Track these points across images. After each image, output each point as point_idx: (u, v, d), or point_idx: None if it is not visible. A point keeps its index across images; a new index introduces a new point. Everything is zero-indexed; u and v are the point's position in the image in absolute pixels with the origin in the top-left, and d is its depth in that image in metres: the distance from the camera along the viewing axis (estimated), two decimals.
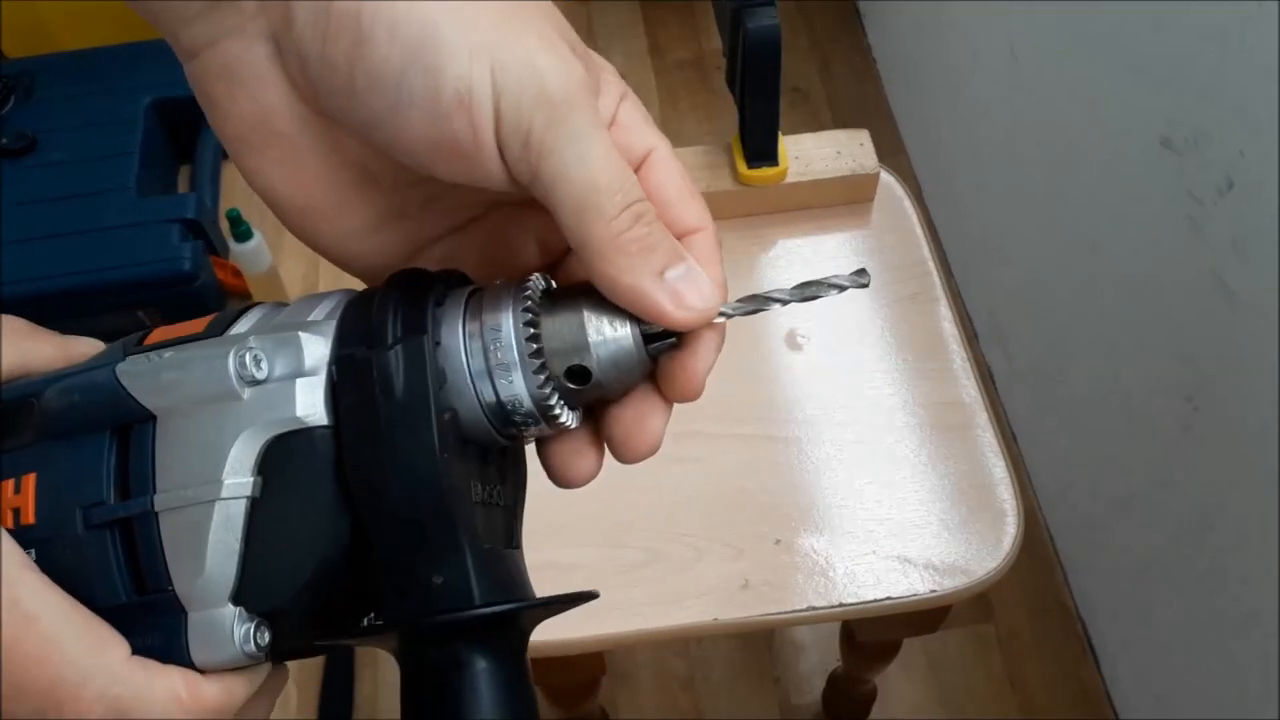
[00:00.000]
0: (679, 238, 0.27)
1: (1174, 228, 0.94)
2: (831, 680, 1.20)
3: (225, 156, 1.70)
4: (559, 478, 0.30)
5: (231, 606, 0.25)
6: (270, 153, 0.27)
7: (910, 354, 0.76)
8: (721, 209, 0.81)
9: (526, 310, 0.26)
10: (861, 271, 0.29)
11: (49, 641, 0.23)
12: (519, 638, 0.28)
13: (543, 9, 0.26)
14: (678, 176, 0.28)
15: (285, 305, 0.28)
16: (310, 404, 0.25)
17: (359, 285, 0.30)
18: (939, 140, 1.59)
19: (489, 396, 0.26)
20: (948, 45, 1.49)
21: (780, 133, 0.78)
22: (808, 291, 0.28)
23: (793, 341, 0.77)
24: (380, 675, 1.29)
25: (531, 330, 0.26)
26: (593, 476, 0.30)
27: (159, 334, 0.27)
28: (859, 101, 1.79)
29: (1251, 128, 0.81)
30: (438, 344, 0.26)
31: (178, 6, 0.26)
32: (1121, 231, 1.05)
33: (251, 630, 0.25)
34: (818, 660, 1.28)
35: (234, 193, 1.67)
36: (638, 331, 0.27)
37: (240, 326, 0.27)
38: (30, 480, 0.25)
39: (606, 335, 0.26)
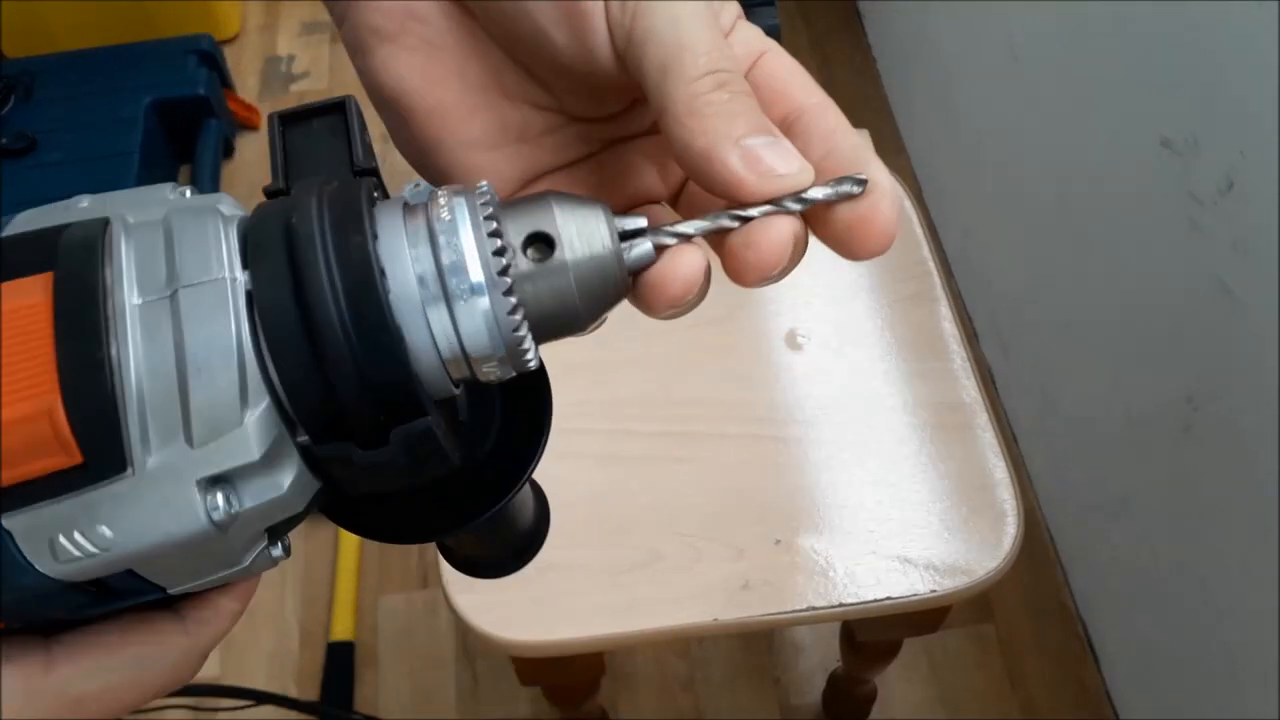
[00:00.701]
0: (798, 114, 0.26)
1: (1174, 228, 0.94)
2: (832, 680, 1.20)
3: (226, 155, 1.72)
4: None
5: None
6: (405, 39, 0.27)
7: (910, 354, 0.76)
8: None
9: (490, 219, 0.21)
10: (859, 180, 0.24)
11: None
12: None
13: None
14: (796, 67, 0.27)
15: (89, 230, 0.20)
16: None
17: None
18: (939, 140, 1.59)
19: (443, 328, 0.21)
20: (948, 44, 1.49)
21: None
22: (780, 205, 0.23)
23: (793, 341, 0.77)
24: (380, 676, 1.29)
25: (497, 241, 0.21)
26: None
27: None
28: (859, 101, 1.79)
29: (1252, 128, 0.81)
30: (383, 271, 0.21)
31: None
32: (1121, 232, 1.05)
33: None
34: (818, 660, 1.28)
35: (234, 192, 1.66)
36: (615, 240, 0.23)
37: (132, 413, 0.19)
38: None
39: (582, 245, 0.22)
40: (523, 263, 0.22)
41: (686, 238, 0.24)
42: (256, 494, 0.20)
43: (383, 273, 0.20)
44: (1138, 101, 0.98)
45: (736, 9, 0.28)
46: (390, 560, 1.36)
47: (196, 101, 1.65)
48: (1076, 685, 1.26)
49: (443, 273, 0.21)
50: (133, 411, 0.19)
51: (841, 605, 0.66)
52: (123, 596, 0.21)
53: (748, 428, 0.73)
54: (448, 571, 0.67)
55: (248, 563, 0.22)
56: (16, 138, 1.56)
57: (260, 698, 1.19)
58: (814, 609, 0.66)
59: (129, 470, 0.19)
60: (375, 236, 0.21)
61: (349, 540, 1.35)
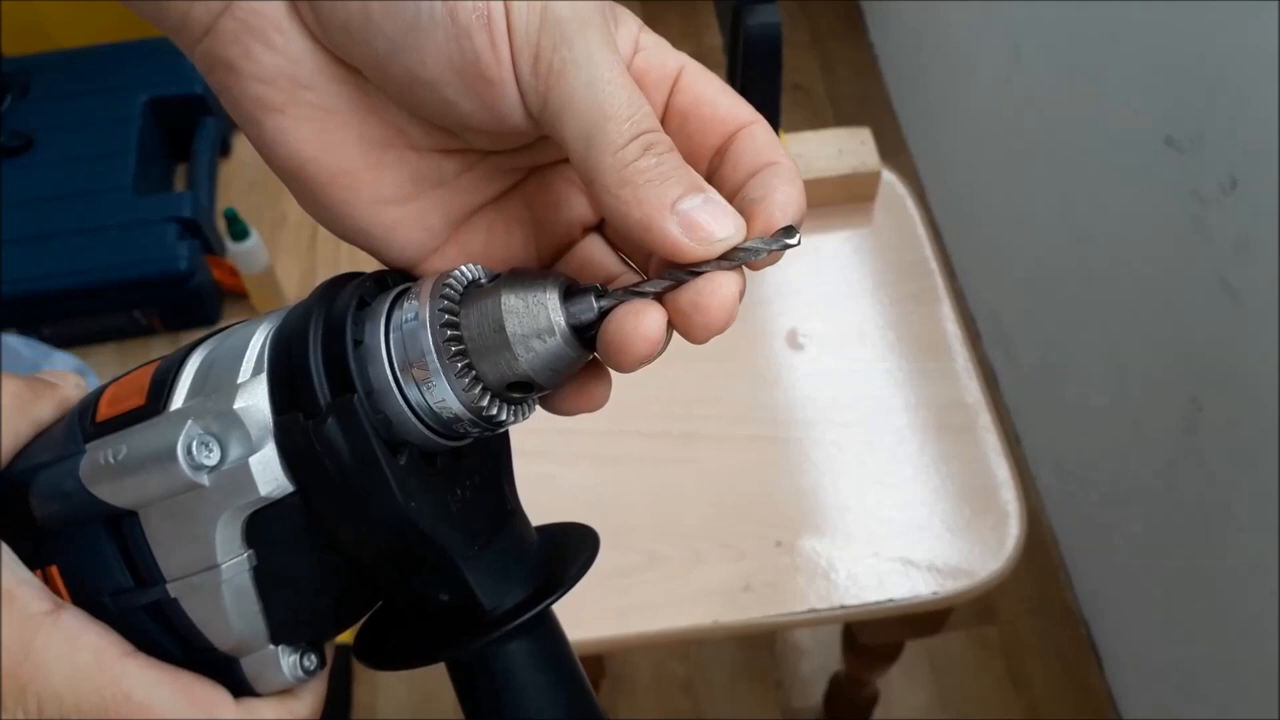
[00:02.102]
0: (733, 135, 0.27)
1: (1177, 227, 0.94)
2: (833, 683, 1.20)
3: (223, 154, 1.72)
4: (570, 412, 0.29)
5: (272, 647, 0.27)
6: (297, 110, 0.26)
7: (912, 354, 0.75)
8: None
9: (444, 310, 0.25)
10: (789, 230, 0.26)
11: None
12: (538, 619, 0.28)
13: None
14: (715, 82, 0.27)
15: (226, 333, 0.28)
16: (270, 479, 0.25)
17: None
18: (941, 139, 1.58)
19: (420, 404, 0.25)
20: (950, 43, 1.48)
21: (781, 131, 0.78)
22: (732, 258, 0.25)
23: (794, 342, 0.76)
24: (378, 679, 1.28)
25: (450, 332, 0.25)
26: (605, 400, 0.29)
27: (109, 401, 0.27)
28: (861, 99, 1.79)
29: (1255, 127, 0.81)
30: (359, 343, 0.26)
31: None
32: (1124, 231, 1.05)
33: (298, 660, 0.28)
34: (819, 663, 1.27)
35: (231, 191, 1.67)
36: (560, 313, 0.25)
37: (179, 391, 0.26)
38: (54, 571, 0.27)
39: (528, 323, 0.25)
40: (476, 343, 0.25)
41: (637, 296, 0.25)
42: (235, 449, 0.26)
43: (363, 370, 0.25)
44: (1141, 100, 0.97)
45: (636, 22, 0.28)
46: None
47: (193, 100, 1.65)
48: (1079, 687, 1.26)
49: (410, 364, 0.25)
50: (181, 384, 0.27)
51: (843, 607, 0.65)
52: (143, 580, 0.27)
53: (749, 428, 0.72)
54: None
55: (234, 622, 0.27)
56: (13, 136, 1.56)
57: None
58: (815, 611, 0.65)
59: (163, 412, 0.26)
60: (359, 343, 0.26)
61: None
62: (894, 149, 1.69)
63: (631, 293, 0.25)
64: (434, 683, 1.26)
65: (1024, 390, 1.38)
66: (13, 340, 1.35)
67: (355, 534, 0.26)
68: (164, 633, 0.27)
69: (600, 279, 0.28)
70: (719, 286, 0.24)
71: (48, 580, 0.27)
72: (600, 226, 0.29)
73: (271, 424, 0.25)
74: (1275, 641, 0.87)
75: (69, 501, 0.26)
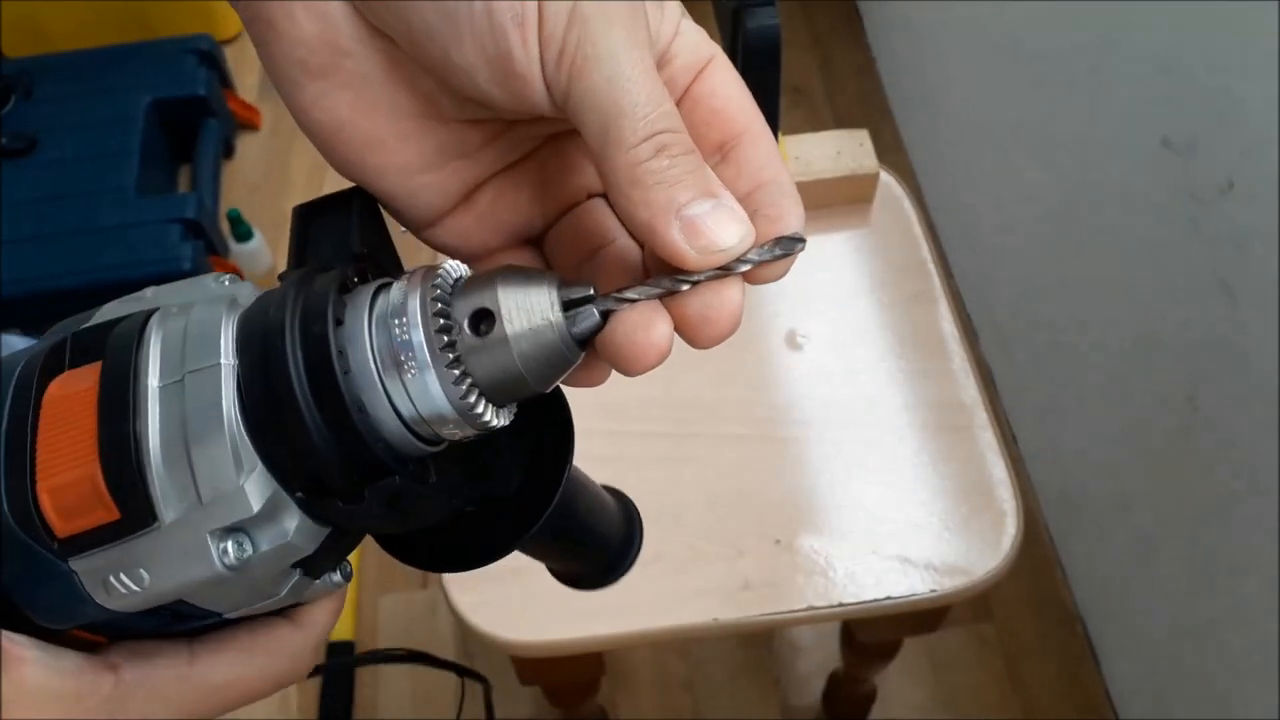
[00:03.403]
0: (738, 137, 0.27)
1: (1175, 228, 0.94)
2: (831, 680, 1.20)
3: (226, 155, 1.72)
4: (570, 384, 0.28)
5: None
6: (335, 76, 0.26)
7: (910, 354, 0.76)
8: None
9: (437, 300, 0.24)
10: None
11: None
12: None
13: None
14: (738, 82, 0.27)
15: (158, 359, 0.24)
16: (310, 537, 0.25)
17: None
18: (938, 139, 1.59)
19: (402, 401, 0.24)
20: (948, 45, 1.49)
21: (780, 132, 0.78)
22: (728, 268, 0.25)
23: (793, 342, 0.77)
24: (380, 676, 1.29)
25: (442, 321, 0.24)
26: (606, 378, 0.29)
27: (57, 509, 0.23)
28: (859, 101, 1.79)
29: (1252, 128, 0.81)
30: (341, 352, 0.24)
31: None
32: (1122, 231, 1.05)
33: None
34: (818, 661, 1.28)
35: (234, 192, 1.67)
36: (558, 313, 0.24)
37: (157, 485, 0.23)
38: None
39: (524, 320, 0.24)
40: (469, 338, 0.24)
41: (632, 302, 0.25)
42: (268, 540, 0.23)
43: (341, 352, 0.24)
44: (1138, 101, 0.98)
45: (678, 11, 0.28)
46: (390, 561, 1.36)
47: (196, 102, 1.65)
48: (1076, 685, 1.26)
49: (396, 351, 0.24)
50: (156, 476, 0.23)
51: (841, 605, 0.66)
52: (189, 619, 0.25)
53: (748, 428, 0.73)
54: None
55: (284, 593, 0.25)
56: (16, 138, 1.56)
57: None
58: (814, 609, 0.66)
59: (156, 524, 0.23)
60: (339, 322, 0.24)
61: None
62: (892, 150, 1.69)
63: (626, 299, 0.25)
64: (434, 681, 1.27)
65: (1021, 390, 1.38)
66: (14, 340, 1.35)
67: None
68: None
69: (596, 243, 0.29)
70: (728, 299, 0.25)
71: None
72: (605, 193, 0.29)
73: (291, 500, 0.24)
74: (1275, 641, 0.87)
75: (88, 614, 0.24)
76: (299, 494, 0.24)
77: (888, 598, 0.66)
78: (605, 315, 0.25)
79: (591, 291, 0.25)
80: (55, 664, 0.24)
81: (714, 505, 0.70)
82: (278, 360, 0.23)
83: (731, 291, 0.25)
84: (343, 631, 1.29)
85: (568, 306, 0.25)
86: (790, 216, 0.25)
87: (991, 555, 0.68)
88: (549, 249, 0.30)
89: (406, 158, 0.28)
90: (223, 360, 0.23)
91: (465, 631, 0.66)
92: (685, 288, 0.24)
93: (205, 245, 1.52)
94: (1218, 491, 0.94)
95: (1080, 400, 1.21)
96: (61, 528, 0.23)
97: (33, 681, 0.23)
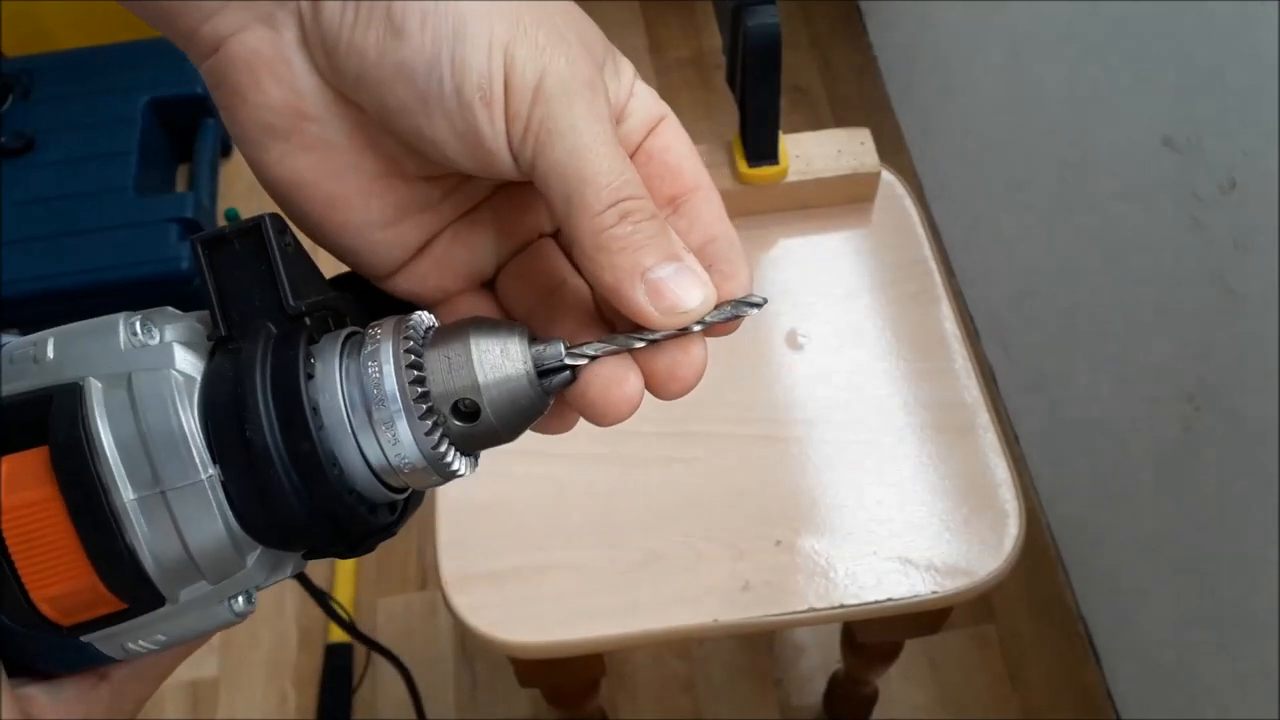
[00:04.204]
0: (689, 192, 0.28)
1: (1176, 227, 0.94)
2: (832, 682, 1.20)
3: (225, 155, 1.72)
4: (541, 431, 0.30)
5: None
6: (299, 139, 0.27)
7: (911, 354, 0.76)
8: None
9: (410, 352, 0.25)
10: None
11: None
12: None
13: (559, 6, 0.27)
14: (687, 142, 0.29)
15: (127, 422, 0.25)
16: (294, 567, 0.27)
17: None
18: (940, 138, 1.58)
19: (373, 452, 0.25)
20: (949, 44, 1.48)
21: (781, 131, 0.78)
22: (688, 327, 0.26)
23: (793, 341, 0.76)
24: (379, 678, 1.29)
25: (416, 373, 0.25)
26: (575, 425, 0.30)
27: (57, 607, 0.24)
28: (860, 100, 1.79)
29: (1254, 126, 0.81)
30: (315, 410, 0.24)
31: (199, 6, 0.26)
32: (1123, 230, 1.05)
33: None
34: (819, 662, 1.28)
35: (232, 192, 1.67)
36: (530, 365, 0.25)
37: (149, 563, 0.24)
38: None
39: (497, 371, 0.25)
40: (444, 388, 0.25)
41: (594, 358, 0.26)
42: (268, 584, 0.26)
43: (315, 410, 0.24)
44: (1140, 100, 0.98)
45: (631, 72, 0.29)
46: (389, 562, 1.36)
47: (195, 101, 1.65)
48: (1078, 686, 1.26)
49: (369, 403, 0.24)
50: (157, 574, 0.24)
51: (842, 606, 0.66)
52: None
53: (748, 428, 0.73)
54: (447, 573, 0.67)
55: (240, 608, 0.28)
56: (14, 137, 1.56)
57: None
58: (815, 610, 0.65)
59: (168, 604, 0.25)
60: (310, 376, 0.25)
61: None
62: (893, 149, 1.69)
63: (586, 355, 0.26)
64: (433, 683, 1.26)
65: (1023, 390, 1.38)
66: (13, 340, 1.35)
67: None
68: None
69: (549, 283, 0.30)
70: (694, 356, 0.27)
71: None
72: (556, 234, 0.31)
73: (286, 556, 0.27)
74: (1275, 641, 0.87)
75: (103, 663, 0.27)
76: (276, 546, 0.26)
77: (889, 599, 0.66)
78: (575, 370, 0.26)
79: (562, 347, 0.26)
80: (59, 695, 0.26)
81: (714, 506, 0.69)
82: (263, 462, 0.24)
83: (696, 349, 0.27)
84: (340, 633, 1.29)
85: (538, 359, 0.26)
86: (742, 274, 0.28)
87: (993, 556, 0.67)
88: (502, 288, 0.31)
89: (368, 215, 0.28)
90: (203, 475, 0.24)
91: (464, 633, 0.66)
92: (641, 344, 0.26)
93: None
94: (1219, 491, 0.94)
95: (1082, 399, 1.20)
96: (65, 621, 0.24)
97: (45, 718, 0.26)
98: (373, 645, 1.22)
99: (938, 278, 0.79)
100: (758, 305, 0.27)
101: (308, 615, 1.33)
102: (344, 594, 1.32)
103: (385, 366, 0.24)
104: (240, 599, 0.25)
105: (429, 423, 0.24)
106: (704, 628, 0.65)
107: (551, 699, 0.91)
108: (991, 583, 0.67)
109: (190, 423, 0.24)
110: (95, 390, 0.24)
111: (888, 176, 0.83)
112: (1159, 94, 0.94)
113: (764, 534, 0.68)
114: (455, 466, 0.25)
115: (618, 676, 1.27)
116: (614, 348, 0.26)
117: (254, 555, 0.25)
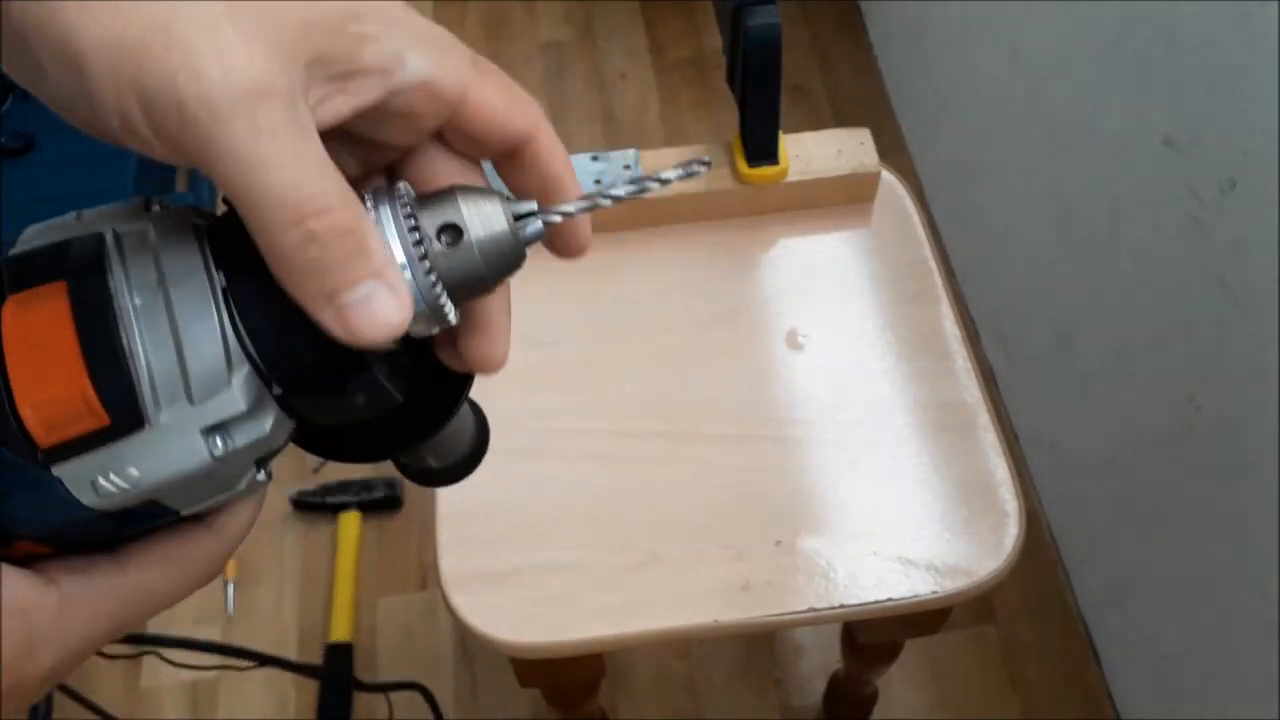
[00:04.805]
0: (513, 148, 0.29)
1: (1176, 227, 0.94)
2: (833, 682, 1.20)
3: None
4: (477, 357, 0.31)
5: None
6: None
7: (911, 354, 0.76)
8: (722, 208, 0.81)
9: (408, 215, 0.26)
10: (702, 161, 0.30)
11: None
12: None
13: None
14: (509, 88, 0.28)
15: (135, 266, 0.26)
16: (286, 432, 0.28)
17: None
18: (940, 139, 1.58)
19: None
20: (949, 44, 1.48)
21: (781, 131, 0.78)
22: (641, 185, 0.29)
23: (793, 341, 0.76)
24: (379, 677, 1.29)
25: (415, 234, 0.26)
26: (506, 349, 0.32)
27: (42, 422, 0.25)
28: (860, 100, 1.79)
29: (1253, 127, 0.81)
30: None
31: None
32: (1124, 231, 1.05)
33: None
34: (819, 662, 1.27)
35: None
36: (511, 218, 0.28)
37: (145, 383, 0.25)
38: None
39: (484, 222, 0.27)
40: (437, 245, 0.27)
41: (569, 215, 0.29)
42: (246, 435, 0.26)
43: None
44: (1140, 100, 0.97)
45: (406, 35, 0.26)
46: (389, 562, 1.36)
47: None
48: (1078, 686, 1.26)
49: None
50: (144, 384, 0.25)
51: (842, 606, 0.66)
52: (145, 520, 0.26)
53: (748, 428, 0.73)
54: (447, 573, 0.67)
55: (242, 486, 0.27)
56: (14, 137, 1.56)
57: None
58: (815, 610, 0.65)
59: (146, 426, 0.25)
60: None
61: (347, 542, 1.35)
62: (893, 149, 1.69)
63: (558, 212, 0.29)
64: (434, 683, 1.26)
65: (1023, 390, 1.38)
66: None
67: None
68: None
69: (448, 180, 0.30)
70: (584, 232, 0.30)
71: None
72: (440, 135, 0.29)
73: (270, 397, 0.26)
74: (1275, 641, 0.87)
75: (65, 517, 0.26)
76: (278, 390, 0.26)
77: (889, 599, 0.66)
78: (548, 225, 0.29)
79: (536, 205, 0.28)
80: (5, 579, 0.25)
81: (714, 506, 0.69)
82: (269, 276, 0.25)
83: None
84: (341, 633, 1.29)
85: (516, 214, 0.28)
86: (573, 189, 0.30)
87: (993, 556, 0.67)
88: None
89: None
90: (209, 275, 0.25)
91: (464, 633, 0.66)
92: (609, 203, 0.29)
93: None
94: (1220, 490, 0.94)
95: (1082, 400, 1.20)
96: (45, 439, 0.24)
97: None
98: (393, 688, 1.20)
99: (938, 277, 0.79)
100: (705, 164, 0.30)
101: (308, 615, 1.33)
102: (344, 593, 1.32)
103: (387, 226, 0.26)
104: (219, 439, 0.25)
105: (433, 277, 0.26)
106: (704, 628, 0.65)
107: (551, 699, 0.91)
108: (991, 583, 0.67)
109: (203, 245, 0.26)
110: (115, 236, 0.26)
111: (888, 176, 0.83)
112: (1159, 94, 0.94)
113: (764, 534, 0.68)
114: (449, 312, 0.27)
115: (618, 677, 1.27)
116: (586, 205, 0.29)
117: (241, 373, 0.25)
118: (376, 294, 0.24)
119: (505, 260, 0.28)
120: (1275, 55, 0.77)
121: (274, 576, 1.36)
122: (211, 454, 0.25)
